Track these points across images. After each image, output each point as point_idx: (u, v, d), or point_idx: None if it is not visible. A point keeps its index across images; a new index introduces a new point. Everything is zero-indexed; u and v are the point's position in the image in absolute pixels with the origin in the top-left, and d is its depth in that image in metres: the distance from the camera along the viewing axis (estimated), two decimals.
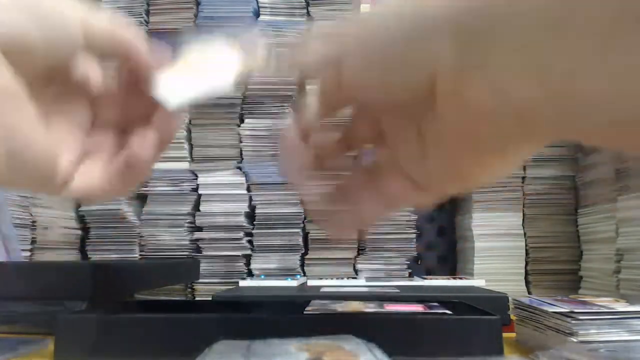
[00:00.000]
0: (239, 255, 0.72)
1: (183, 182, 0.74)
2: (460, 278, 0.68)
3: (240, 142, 0.73)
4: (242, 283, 0.65)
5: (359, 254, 0.72)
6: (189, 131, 0.75)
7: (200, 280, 0.71)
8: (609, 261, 0.60)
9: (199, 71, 0.25)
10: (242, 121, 0.74)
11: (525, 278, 0.72)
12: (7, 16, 0.21)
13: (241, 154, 0.74)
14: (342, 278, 0.67)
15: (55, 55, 0.23)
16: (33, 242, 0.67)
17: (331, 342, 0.25)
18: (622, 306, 0.37)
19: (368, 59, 0.20)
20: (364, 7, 0.92)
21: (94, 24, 0.24)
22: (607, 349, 0.31)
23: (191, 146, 0.75)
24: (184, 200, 0.73)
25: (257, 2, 0.77)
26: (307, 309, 0.37)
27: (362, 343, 0.25)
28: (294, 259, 0.72)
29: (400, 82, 0.19)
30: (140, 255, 0.73)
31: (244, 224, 0.72)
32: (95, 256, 0.73)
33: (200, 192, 0.73)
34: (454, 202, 0.85)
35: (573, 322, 0.33)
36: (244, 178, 0.73)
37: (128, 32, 0.25)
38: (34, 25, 0.22)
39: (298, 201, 0.72)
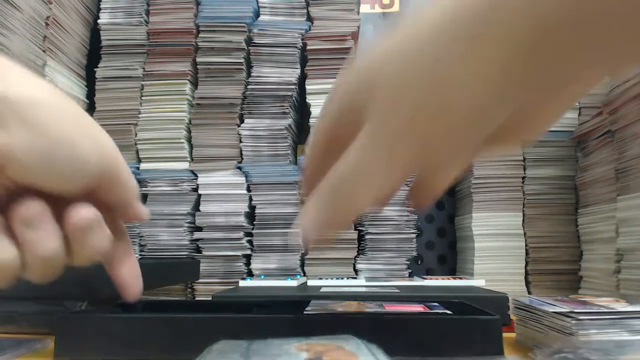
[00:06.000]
0: (238, 255, 0.72)
1: (183, 182, 0.74)
2: (460, 278, 0.68)
3: (240, 142, 0.73)
4: (242, 283, 0.65)
5: (359, 254, 0.72)
6: (189, 131, 0.75)
7: (200, 280, 0.71)
8: (609, 261, 0.60)
9: None
10: (242, 121, 0.74)
11: (525, 278, 0.72)
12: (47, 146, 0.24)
13: (241, 154, 0.74)
14: (342, 278, 0.67)
15: (54, 185, 0.25)
16: None
17: (331, 342, 0.25)
18: (622, 306, 0.37)
19: None
20: (364, 8, 0.92)
21: (127, 172, 0.28)
22: (607, 348, 0.31)
23: (191, 146, 0.75)
24: (183, 200, 0.73)
25: (257, 2, 0.77)
26: (307, 309, 0.37)
27: (362, 343, 0.25)
28: (294, 259, 0.72)
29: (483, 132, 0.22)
30: (140, 255, 0.73)
31: (244, 224, 0.72)
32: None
33: (200, 192, 0.73)
34: (454, 202, 0.85)
35: (573, 322, 0.33)
36: (243, 178, 0.73)
37: (133, 185, 0.29)
38: (52, 162, 0.24)
39: (298, 201, 0.72)
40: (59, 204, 0.26)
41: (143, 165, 0.74)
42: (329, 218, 0.24)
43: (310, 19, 0.77)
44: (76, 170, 0.25)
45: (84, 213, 0.26)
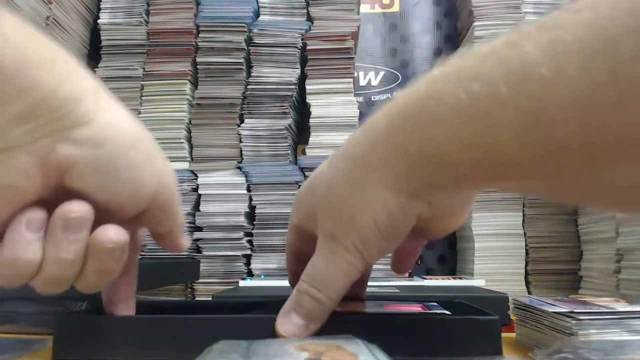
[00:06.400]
0: (239, 255, 0.72)
1: (183, 182, 0.74)
2: (460, 278, 0.68)
3: (240, 142, 0.73)
4: (242, 283, 0.65)
5: None
6: (189, 131, 0.75)
7: (200, 280, 0.71)
8: (609, 261, 0.60)
9: None
10: (242, 121, 0.74)
11: (525, 278, 0.72)
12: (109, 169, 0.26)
13: (241, 154, 0.74)
14: None
15: (110, 204, 0.27)
16: None
17: (331, 342, 0.25)
18: (622, 306, 0.37)
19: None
20: (364, 8, 0.92)
21: (178, 204, 0.30)
22: (607, 348, 0.31)
23: (191, 146, 0.75)
24: (184, 200, 0.73)
25: (257, 2, 0.77)
26: None
27: (362, 343, 0.25)
28: None
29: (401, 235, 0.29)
30: (140, 255, 0.72)
31: (244, 224, 0.72)
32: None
33: (200, 192, 0.73)
34: None
35: (573, 322, 0.33)
36: (244, 178, 0.73)
37: (181, 218, 0.31)
38: (121, 184, 0.26)
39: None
40: (97, 220, 0.27)
41: None
42: (306, 323, 0.29)
43: (310, 19, 0.76)
44: (132, 192, 0.27)
45: (114, 236, 0.26)
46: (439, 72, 0.24)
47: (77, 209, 0.25)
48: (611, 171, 0.20)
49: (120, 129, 0.26)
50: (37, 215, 0.25)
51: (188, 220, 0.73)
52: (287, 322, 0.29)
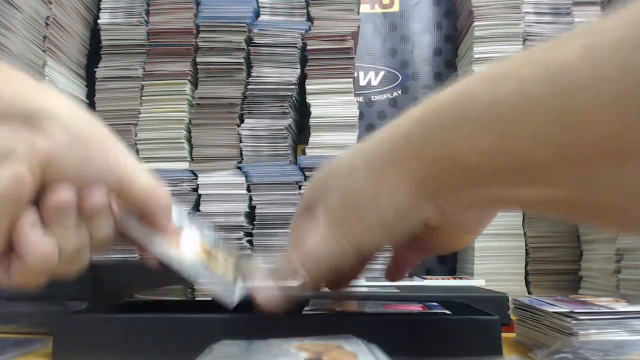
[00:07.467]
0: None
1: (183, 182, 0.74)
2: (460, 278, 0.68)
3: (240, 142, 0.73)
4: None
5: None
6: (189, 131, 0.75)
7: None
8: (609, 261, 0.60)
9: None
10: (242, 121, 0.74)
11: (525, 278, 0.72)
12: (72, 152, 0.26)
13: (241, 154, 0.74)
14: None
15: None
16: None
17: (331, 342, 0.25)
18: (622, 306, 0.37)
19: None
20: (364, 8, 0.92)
21: (138, 179, 0.29)
22: (607, 349, 0.31)
23: (191, 146, 0.75)
24: (183, 200, 0.73)
25: (257, 2, 0.77)
26: (306, 308, 0.37)
27: (362, 343, 0.25)
28: None
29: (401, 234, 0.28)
30: (141, 255, 0.72)
31: (244, 224, 0.72)
32: (95, 256, 0.73)
33: (200, 192, 0.73)
34: None
35: (573, 322, 0.33)
36: (243, 178, 0.73)
37: (164, 197, 0.31)
38: (86, 163, 0.26)
39: (298, 201, 0.72)
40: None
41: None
42: (283, 295, 0.30)
43: (310, 19, 0.76)
44: (105, 165, 0.28)
45: (97, 197, 0.27)
46: (473, 76, 0.25)
47: (63, 191, 0.26)
48: None
49: (77, 114, 0.27)
50: (34, 214, 0.26)
51: None
52: (264, 288, 0.31)
